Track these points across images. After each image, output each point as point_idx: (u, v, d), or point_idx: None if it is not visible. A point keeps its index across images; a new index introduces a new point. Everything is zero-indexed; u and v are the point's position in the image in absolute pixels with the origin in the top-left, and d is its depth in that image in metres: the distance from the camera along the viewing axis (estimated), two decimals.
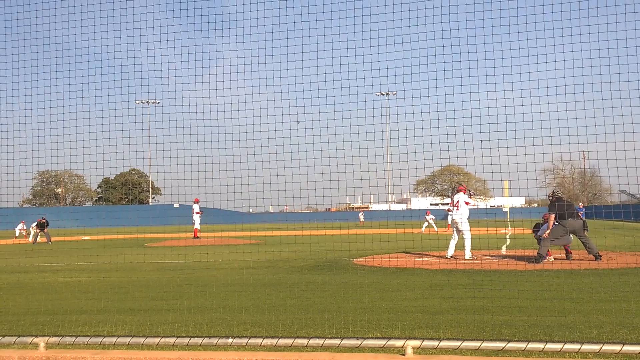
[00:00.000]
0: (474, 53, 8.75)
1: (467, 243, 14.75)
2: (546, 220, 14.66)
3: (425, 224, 36.99)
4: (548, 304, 7.73)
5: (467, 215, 15.07)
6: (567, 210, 13.37)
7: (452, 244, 15.00)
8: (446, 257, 14.68)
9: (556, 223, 13.44)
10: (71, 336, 5.34)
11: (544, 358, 4.82)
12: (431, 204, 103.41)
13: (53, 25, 10.49)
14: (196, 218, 28.90)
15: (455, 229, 15.24)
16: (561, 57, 8.18)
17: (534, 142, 8.09)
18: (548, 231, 13.39)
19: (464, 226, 14.91)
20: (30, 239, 30.92)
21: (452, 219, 15.46)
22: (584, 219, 13.94)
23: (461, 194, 15.33)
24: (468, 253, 14.65)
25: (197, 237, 28.32)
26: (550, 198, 14.05)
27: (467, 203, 15.14)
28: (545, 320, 6.49)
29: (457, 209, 15.11)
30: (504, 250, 17.27)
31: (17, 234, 36.13)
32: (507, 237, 24.55)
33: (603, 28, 8.15)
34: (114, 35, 10.27)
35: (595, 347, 4.58)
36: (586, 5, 8.20)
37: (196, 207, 28.72)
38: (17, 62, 10.63)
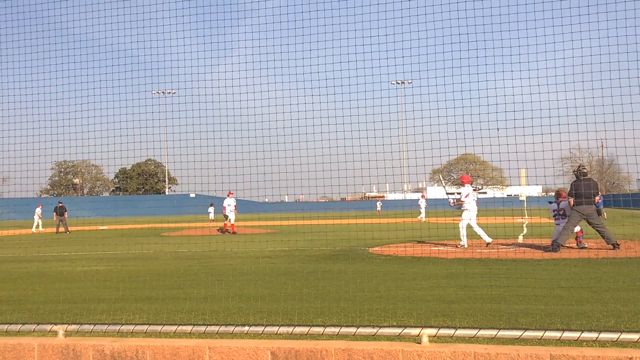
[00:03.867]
0: (490, 41, 8.68)
1: (463, 232, 15.31)
2: (558, 198, 14.61)
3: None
4: (565, 292, 7.69)
5: (473, 207, 15.49)
6: (586, 190, 13.10)
7: (478, 230, 15.35)
8: (464, 247, 14.93)
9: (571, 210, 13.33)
10: (90, 324, 5.40)
11: (561, 347, 4.78)
12: (447, 193, 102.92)
13: (71, 17, 10.54)
14: (230, 213, 26.52)
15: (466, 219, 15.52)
16: (579, 45, 8.08)
17: (551, 130, 8.00)
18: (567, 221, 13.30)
19: (464, 215, 15.44)
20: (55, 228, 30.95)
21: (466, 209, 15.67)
22: (601, 207, 13.80)
23: (468, 186, 15.77)
24: (463, 240, 15.15)
25: (234, 232, 26.25)
26: (575, 173, 13.73)
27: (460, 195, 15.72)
28: (563, 309, 6.45)
29: (474, 200, 15.52)
30: (520, 239, 17.19)
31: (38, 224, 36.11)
32: (524, 225, 24.42)
33: (621, 15, 8.03)
34: (130, 25, 10.28)
35: (613, 336, 4.55)
36: None
37: (230, 201, 26.36)
38: (35, 53, 10.70)
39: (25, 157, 10.44)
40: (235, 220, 26.97)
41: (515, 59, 8.50)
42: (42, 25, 10.69)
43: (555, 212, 14.38)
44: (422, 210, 36.31)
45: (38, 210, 35.62)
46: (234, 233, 25.88)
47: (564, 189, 15.26)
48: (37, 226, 35.02)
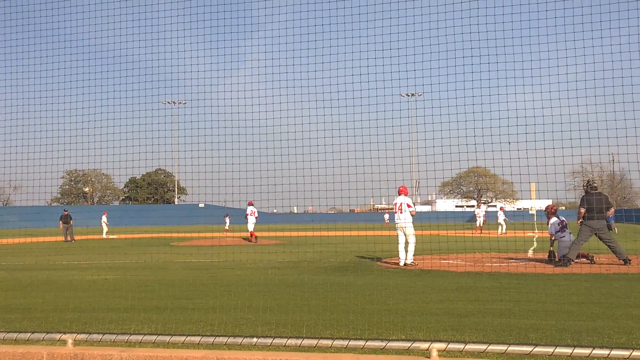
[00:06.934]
0: (502, 55, 8.67)
1: (412, 247, 14.13)
2: (549, 213, 14.53)
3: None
4: (576, 308, 7.62)
5: (411, 219, 14.32)
6: (598, 204, 12.99)
7: (401, 248, 14.22)
8: (400, 265, 13.87)
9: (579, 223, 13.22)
10: (98, 333, 5.40)
11: None
12: (456, 206, 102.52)
13: (85, 29, 10.65)
14: (251, 219, 27.21)
15: (401, 233, 14.33)
16: (591, 60, 8.06)
17: (562, 145, 7.98)
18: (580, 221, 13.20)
19: (409, 230, 14.20)
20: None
21: (396, 223, 14.55)
22: (612, 222, 13.68)
23: (403, 196, 14.42)
24: (411, 257, 14.02)
25: (255, 238, 27.26)
26: (585, 188, 13.58)
27: (408, 206, 14.33)
28: (573, 325, 6.39)
29: (402, 212, 14.36)
30: (530, 254, 17.08)
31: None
32: (534, 240, 24.28)
33: (634, 30, 8.02)
34: (145, 37, 10.39)
35: (625, 353, 4.50)
36: (616, 8, 8.08)
37: (253, 210, 27.06)
38: (48, 64, 10.81)
39: (37, 166, 10.53)
40: (240, 230, 27.49)
41: (527, 72, 8.50)
42: (55, 36, 10.81)
43: (560, 226, 14.26)
44: (503, 224, 34.34)
45: (104, 218, 37.50)
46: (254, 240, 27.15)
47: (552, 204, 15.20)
48: (106, 232, 36.82)
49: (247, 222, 27.49)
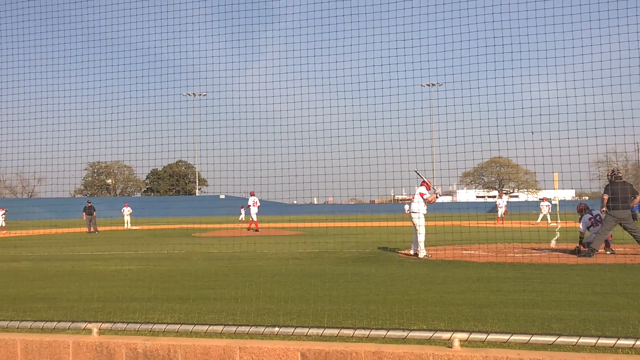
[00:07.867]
0: (525, 44, 8.57)
1: (421, 239, 13.76)
2: (580, 212, 14.38)
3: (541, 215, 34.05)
4: (600, 298, 7.55)
5: (423, 210, 14.06)
6: (623, 194, 12.78)
7: (420, 239, 13.87)
8: (419, 257, 13.65)
9: (605, 213, 13.04)
10: (123, 322, 5.46)
11: (596, 353, 4.70)
12: (477, 197, 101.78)
13: (108, 22, 10.74)
14: (253, 210, 28.16)
15: (416, 223, 14.09)
16: (617, 47, 7.94)
17: (587, 134, 7.87)
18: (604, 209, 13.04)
19: (416, 221, 13.96)
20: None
21: (409, 212, 14.49)
22: (637, 211, 13.45)
23: (422, 187, 14.18)
24: (421, 249, 13.73)
25: (257, 230, 28.09)
26: (610, 177, 13.38)
27: (421, 195, 14.03)
28: (597, 315, 6.34)
29: (413, 202, 14.25)
30: (553, 244, 16.94)
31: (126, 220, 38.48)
32: (557, 230, 24.07)
33: None
34: (167, 30, 10.44)
35: None
36: None
37: (255, 200, 27.99)
38: (70, 57, 10.92)
39: (61, 158, 10.67)
40: (261, 221, 28.28)
41: (551, 61, 8.40)
42: (79, 29, 10.92)
43: (592, 221, 14.04)
44: (548, 215, 33.63)
45: (125, 209, 38.67)
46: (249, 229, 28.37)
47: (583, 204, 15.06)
48: (127, 223, 37.88)
49: (249, 213, 28.59)
